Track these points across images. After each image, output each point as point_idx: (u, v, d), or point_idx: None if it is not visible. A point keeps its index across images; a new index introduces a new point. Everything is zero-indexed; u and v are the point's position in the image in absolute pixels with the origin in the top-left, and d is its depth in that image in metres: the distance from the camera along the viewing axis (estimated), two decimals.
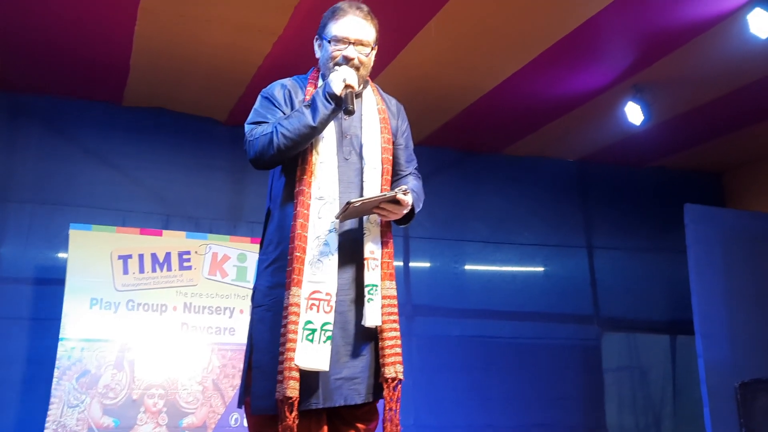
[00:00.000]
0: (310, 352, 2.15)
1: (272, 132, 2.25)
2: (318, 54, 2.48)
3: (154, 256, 5.48)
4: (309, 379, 2.18)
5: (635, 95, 5.81)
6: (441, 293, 6.86)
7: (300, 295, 2.19)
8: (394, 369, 2.26)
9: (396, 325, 2.32)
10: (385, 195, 2.27)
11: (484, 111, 6.22)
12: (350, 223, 2.34)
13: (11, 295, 5.62)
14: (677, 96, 5.94)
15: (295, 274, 2.20)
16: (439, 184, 7.02)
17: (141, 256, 5.45)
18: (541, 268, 7.29)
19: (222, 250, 5.67)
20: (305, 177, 2.28)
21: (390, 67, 5.40)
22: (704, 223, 6.41)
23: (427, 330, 6.71)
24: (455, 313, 6.83)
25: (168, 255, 5.52)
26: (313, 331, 2.17)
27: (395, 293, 2.35)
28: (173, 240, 5.60)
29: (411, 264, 6.85)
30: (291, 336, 2.16)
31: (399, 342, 2.31)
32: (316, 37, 2.49)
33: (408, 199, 2.31)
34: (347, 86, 2.27)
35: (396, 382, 2.26)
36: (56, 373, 5.07)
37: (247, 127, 2.37)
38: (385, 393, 2.26)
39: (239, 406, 2.41)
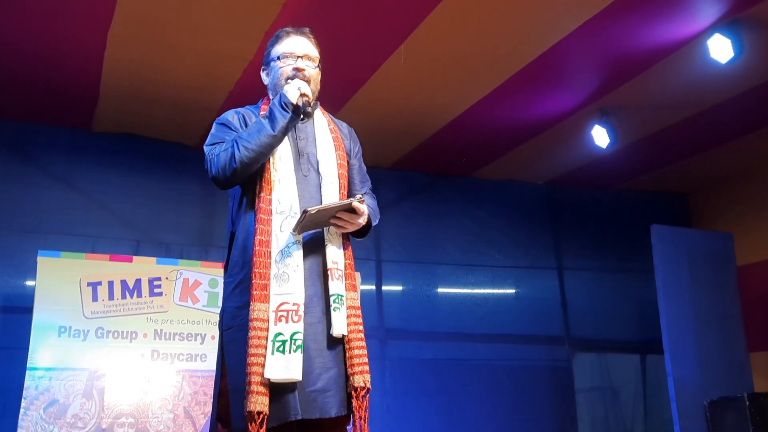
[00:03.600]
0: (282, 363, 2.16)
1: (232, 146, 2.31)
2: (266, 81, 2.57)
3: (124, 282, 5.43)
4: (283, 392, 2.18)
5: (601, 119, 5.91)
6: (413, 316, 6.86)
7: (267, 310, 2.21)
8: (362, 378, 2.29)
9: (362, 335, 2.36)
10: (341, 203, 2.32)
11: (453, 135, 6.29)
12: (312, 235, 2.36)
13: None
14: (642, 119, 6.06)
15: (258, 290, 2.23)
16: (410, 207, 7.06)
17: (111, 283, 5.39)
18: (512, 290, 7.33)
19: (193, 276, 5.63)
20: (263, 194, 2.33)
21: (360, 92, 5.45)
22: (671, 243, 6.52)
23: (399, 353, 6.70)
24: (427, 336, 6.83)
25: (138, 281, 5.47)
26: (284, 342, 2.18)
27: (359, 303, 2.40)
28: (143, 266, 5.55)
29: (383, 287, 6.85)
30: (254, 351, 2.18)
31: (365, 352, 2.34)
32: (263, 66, 2.58)
33: (363, 207, 2.37)
34: (302, 95, 2.37)
35: (364, 391, 2.29)
36: (23, 403, 4.97)
37: (206, 149, 2.42)
38: (354, 403, 2.28)
39: None
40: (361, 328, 2.37)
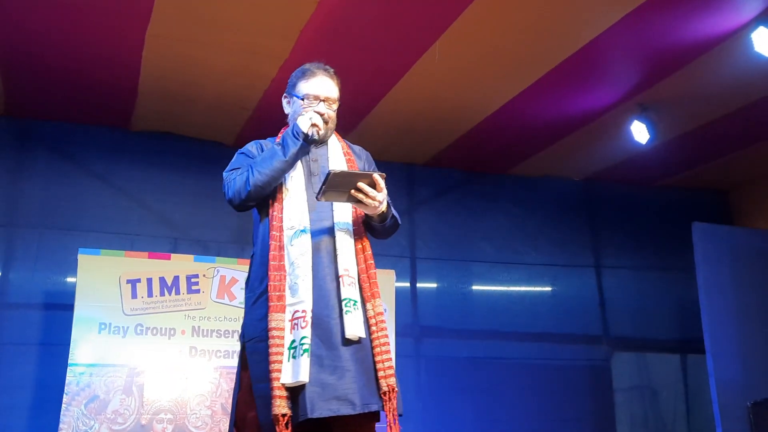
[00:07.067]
0: (293, 368, 2.32)
1: (248, 171, 2.53)
2: (287, 110, 2.75)
3: (162, 279, 5.49)
4: (301, 395, 2.30)
5: (641, 114, 5.81)
6: (448, 314, 6.83)
7: (284, 319, 2.38)
8: (385, 383, 2.41)
9: (387, 340, 2.49)
10: (363, 171, 2.53)
11: (489, 131, 6.23)
12: (325, 244, 2.49)
13: (20, 320, 5.63)
14: (683, 114, 5.95)
15: (274, 301, 2.39)
16: (446, 204, 7.03)
17: (149, 280, 5.45)
18: (549, 288, 7.26)
19: (230, 273, 5.67)
20: (275, 212, 2.53)
21: (395, 88, 5.42)
22: (712, 241, 6.39)
23: (434, 351, 6.67)
24: (463, 334, 6.79)
25: (176, 278, 5.52)
26: (295, 348, 2.34)
27: (382, 310, 2.55)
28: (181, 263, 5.60)
29: (418, 285, 6.83)
30: (275, 358, 2.33)
31: (391, 356, 2.49)
32: (285, 94, 2.75)
33: (383, 184, 2.48)
34: (313, 125, 2.56)
35: (393, 392, 2.42)
36: (65, 398, 5.05)
37: (225, 174, 2.64)
38: (385, 405, 2.40)
39: None
40: (385, 333, 2.48)
